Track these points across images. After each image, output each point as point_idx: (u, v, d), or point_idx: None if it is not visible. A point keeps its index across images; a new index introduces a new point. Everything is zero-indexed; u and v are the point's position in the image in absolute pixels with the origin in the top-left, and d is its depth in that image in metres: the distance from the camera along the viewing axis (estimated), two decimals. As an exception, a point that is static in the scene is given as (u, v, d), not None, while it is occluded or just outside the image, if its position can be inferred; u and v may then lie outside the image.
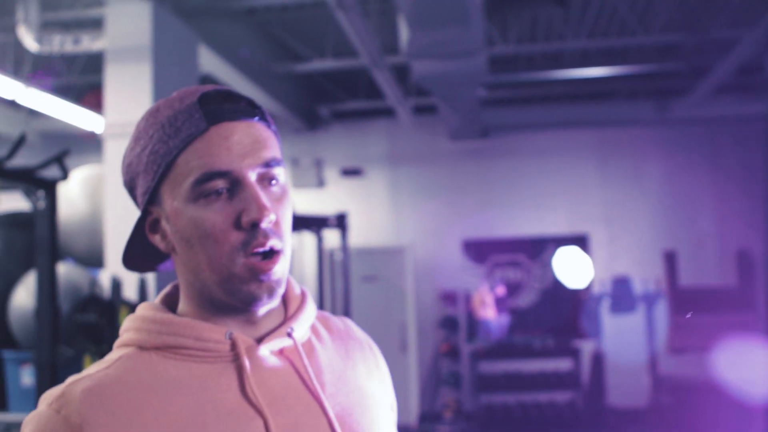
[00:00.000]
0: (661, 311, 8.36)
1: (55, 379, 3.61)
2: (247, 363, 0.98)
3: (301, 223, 6.46)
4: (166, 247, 1.02)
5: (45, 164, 3.72)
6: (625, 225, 9.64)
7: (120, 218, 4.63)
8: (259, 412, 0.96)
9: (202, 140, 0.96)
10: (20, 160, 3.68)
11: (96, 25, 6.61)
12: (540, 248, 9.67)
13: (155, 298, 1.10)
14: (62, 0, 6.45)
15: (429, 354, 9.51)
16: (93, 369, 0.98)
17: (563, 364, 8.80)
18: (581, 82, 9.01)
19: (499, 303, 9.23)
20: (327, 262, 9.05)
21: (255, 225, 0.96)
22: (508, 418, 8.53)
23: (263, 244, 0.96)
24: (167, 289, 1.10)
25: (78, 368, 4.00)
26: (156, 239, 1.03)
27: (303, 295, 1.12)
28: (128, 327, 1.03)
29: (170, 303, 1.08)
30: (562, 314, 9.41)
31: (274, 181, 1.00)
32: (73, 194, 4.68)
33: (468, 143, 9.79)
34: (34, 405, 0.98)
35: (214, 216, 0.96)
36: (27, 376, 4.10)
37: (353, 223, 8.49)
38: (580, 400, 8.58)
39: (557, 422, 8.44)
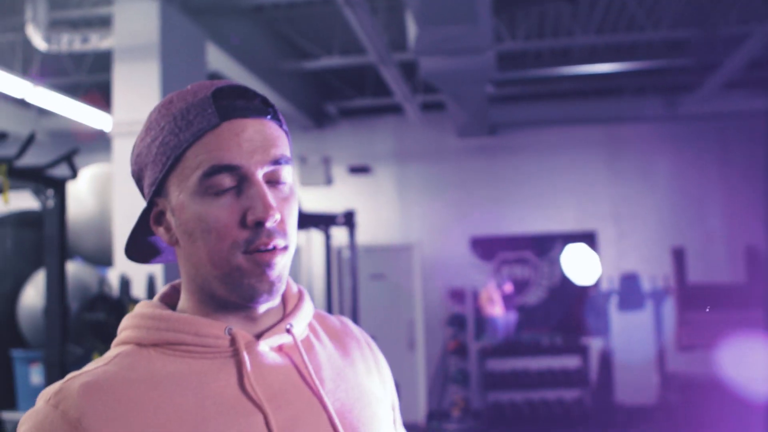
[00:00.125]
0: (670, 308, 8.33)
1: (64, 377, 3.61)
2: (246, 358, 0.98)
3: (309, 221, 6.45)
4: (170, 239, 1.02)
5: (54, 163, 3.73)
6: (634, 222, 9.62)
7: (129, 217, 4.62)
8: (259, 407, 0.96)
9: (213, 135, 0.96)
10: (29, 159, 3.69)
11: (104, 23, 6.62)
12: (548, 245, 9.65)
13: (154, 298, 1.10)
14: (70, -2, 6.46)
15: (437, 352, 9.51)
16: (91, 366, 0.98)
17: (571, 362, 8.78)
18: (589, 78, 8.98)
19: (507, 300, 9.21)
20: (335, 260, 9.05)
21: (260, 224, 0.96)
22: (516, 415, 8.52)
23: (266, 244, 0.96)
24: (165, 289, 1.10)
25: (87, 367, 4.00)
26: (160, 231, 1.03)
27: (300, 293, 1.12)
28: (126, 325, 1.03)
29: (168, 303, 1.08)
30: (570, 312, 9.39)
31: (282, 181, 1.00)
32: (81, 193, 4.69)
33: (476, 140, 9.77)
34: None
35: (220, 211, 0.96)
36: (36, 375, 4.11)
37: (361, 221, 8.49)
38: (588, 397, 8.56)
39: (565, 420, 8.42)
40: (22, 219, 4.47)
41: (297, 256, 9.24)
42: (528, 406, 8.58)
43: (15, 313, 4.30)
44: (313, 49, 7.92)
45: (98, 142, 8.12)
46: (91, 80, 8.28)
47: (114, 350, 1.01)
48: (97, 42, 6.05)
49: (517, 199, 9.70)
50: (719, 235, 9.44)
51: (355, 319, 6.72)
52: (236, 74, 7.22)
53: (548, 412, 8.47)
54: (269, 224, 0.96)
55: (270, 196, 0.96)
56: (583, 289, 9.42)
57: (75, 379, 0.95)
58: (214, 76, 7.75)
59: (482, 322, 9.24)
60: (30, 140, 3.57)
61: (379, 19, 6.86)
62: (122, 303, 4.17)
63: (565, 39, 7.68)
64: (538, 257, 9.66)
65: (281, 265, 0.98)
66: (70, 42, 6.05)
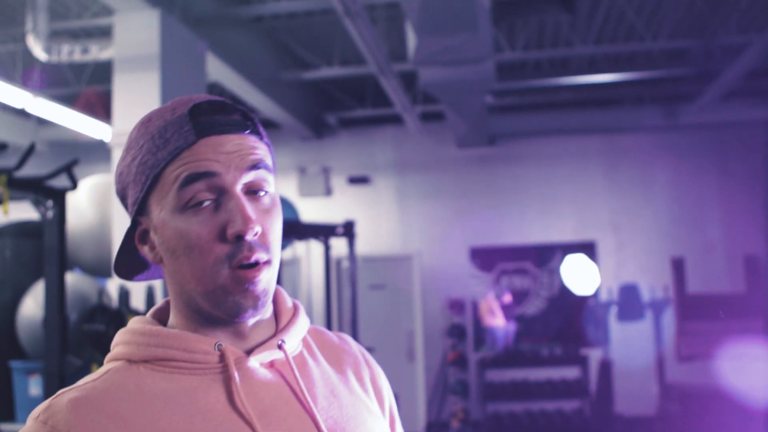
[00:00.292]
0: (669, 318, 8.32)
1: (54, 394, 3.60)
2: (236, 374, 0.97)
3: (308, 231, 6.45)
4: (154, 258, 1.02)
5: (54, 174, 3.73)
6: (633, 232, 9.62)
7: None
8: (249, 424, 0.94)
9: (190, 152, 0.96)
10: (29, 170, 3.69)
11: (104, 34, 6.64)
12: (547, 256, 9.65)
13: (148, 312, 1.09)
14: (71, 9, 6.48)
15: (436, 362, 9.49)
16: (81, 382, 0.97)
17: (571, 372, 8.77)
18: (589, 88, 8.99)
19: (506, 311, 9.20)
20: (334, 271, 9.05)
21: (240, 237, 0.94)
22: (516, 426, 8.49)
23: (248, 258, 0.95)
24: (160, 303, 1.09)
25: (86, 378, 3.99)
26: (145, 250, 1.03)
27: (295, 308, 1.11)
28: (118, 341, 1.02)
29: (162, 317, 1.07)
30: (570, 322, 9.39)
31: (262, 192, 0.99)
32: (81, 204, 4.68)
33: (475, 150, 9.78)
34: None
35: (199, 228, 0.95)
36: (35, 386, 4.09)
37: (360, 232, 8.49)
38: (587, 408, 8.54)
39: (565, 431, 8.40)
40: (21, 230, 4.46)
41: (296, 266, 9.23)
42: (527, 417, 8.56)
43: (14, 324, 4.30)
44: (312, 60, 7.94)
45: (98, 153, 8.12)
46: (92, 91, 8.28)
47: (105, 366, 1.00)
48: (97, 52, 6.06)
49: (517, 209, 9.71)
50: (718, 244, 9.44)
51: (355, 329, 6.71)
52: (236, 84, 7.23)
53: (548, 423, 8.45)
54: (249, 237, 0.94)
55: (249, 208, 0.95)
56: (583, 300, 9.42)
57: (64, 395, 0.94)
58: (214, 86, 7.76)
59: (482, 332, 9.22)
60: (30, 151, 3.56)
61: (378, 29, 6.88)
62: (121, 314, 4.16)
63: (564, 49, 7.70)
64: (538, 267, 9.65)
65: (265, 279, 0.97)
66: (70, 52, 6.06)
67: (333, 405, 1.04)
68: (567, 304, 9.51)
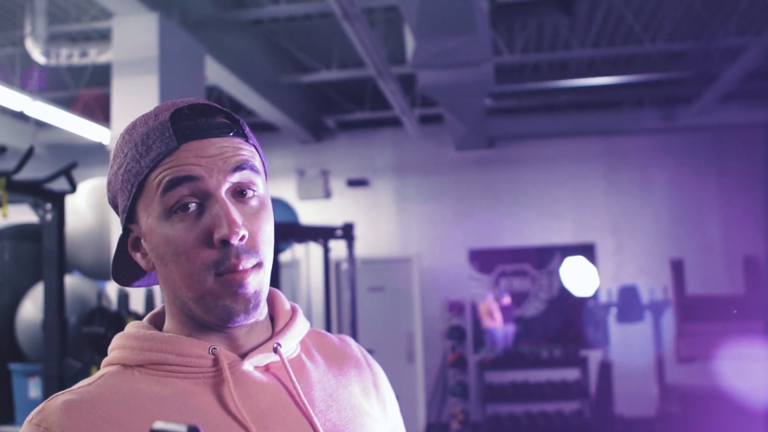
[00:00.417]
0: (669, 320, 8.32)
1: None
2: (229, 378, 0.96)
3: (307, 234, 6.46)
4: (147, 265, 1.01)
5: (53, 177, 3.73)
6: (632, 233, 9.63)
7: (127, 230, 4.62)
8: (245, 428, 0.93)
9: (172, 158, 0.95)
10: (27, 173, 3.69)
11: (103, 37, 6.65)
12: (546, 257, 9.65)
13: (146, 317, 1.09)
14: (69, 13, 6.48)
15: (436, 364, 9.49)
16: (75, 386, 0.97)
17: (570, 374, 8.77)
18: (587, 90, 9.00)
19: (506, 312, 9.20)
20: (334, 273, 9.05)
21: (226, 242, 0.93)
22: (516, 428, 8.49)
23: (235, 266, 0.94)
24: (157, 308, 1.08)
25: (86, 380, 4.00)
26: (137, 257, 1.02)
27: (293, 310, 1.10)
28: (114, 346, 1.02)
29: (159, 322, 1.06)
30: (569, 324, 9.39)
31: (249, 192, 0.98)
32: (80, 206, 4.69)
33: (474, 153, 9.79)
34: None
35: (185, 233, 0.94)
36: (34, 389, 4.10)
37: (359, 234, 8.49)
38: (587, 409, 8.54)
39: (565, 432, 8.40)
40: (20, 232, 4.47)
41: (296, 269, 9.23)
42: (527, 419, 8.56)
43: (13, 327, 4.30)
44: (311, 63, 7.94)
45: (96, 156, 8.12)
46: (90, 94, 8.28)
47: (101, 371, 1.00)
48: (95, 56, 6.07)
49: (516, 211, 9.71)
50: (718, 246, 9.45)
51: (354, 331, 6.72)
52: (235, 88, 7.24)
53: (548, 425, 8.45)
54: (235, 242, 0.93)
55: (234, 212, 0.94)
56: (582, 301, 9.42)
57: (57, 397, 0.94)
58: (212, 89, 7.77)
59: (481, 334, 9.23)
60: (29, 154, 3.57)
61: (377, 32, 6.89)
62: (121, 316, 4.16)
63: (562, 52, 7.71)
64: (537, 269, 9.66)
65: (255, 282, 0.96)
66: (69, 56, 6.07)
67: (331, 408, 1.03)
68: (566, 305, 9.52)
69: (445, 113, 8.11)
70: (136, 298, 4.75)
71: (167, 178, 0.94)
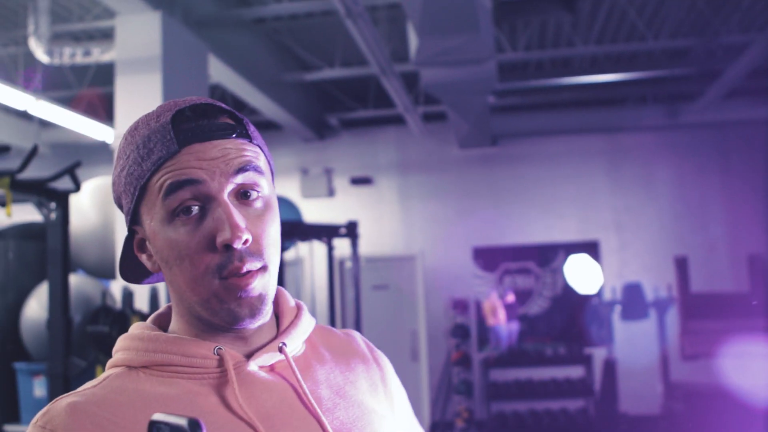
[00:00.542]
0: (673, 317, 8.31)
1: (67, 390, 3.61)
2: (234, 378, 0.95)
3: (311, 232, 6.45)
4: (153, 266, 1.01)
5: (57, 176, 3.74)
6: (636, 231, 9.61)
7: (131, 229, 4.62)
8: (252, 428, 0.93)
9: (173, 161, 0.94)
10: (31, 172, 3.69)
11: (106, 36, 6.65)
12: (550, 255, 9.64)
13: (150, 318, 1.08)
14: (72, 12, 6.48)
15: (440, 362, 9.49)
16: (80, 388, 0.96)
17: (575, 372, 8.76)
18: (590, 87, 8.99)
19: (510, 310, 9.20)
20: (337, 271, 9.05)
21: (228, 247, 0.92)
22: (520, 426, 8.49)
23: (239, 269, 0.93)
24: (162, 308, 1.08)
25: (90, 379, 4.00)
26: (143, 258, 1.02)
27: (298, 308, 1.09)
28: (118, 347, 1.01)
29: (163, 322, 1.06)
30: (573, 321, 9.38)
31: (254, 194, 0.97)
32: (84, 206, 4.69)
33: (477, 150, 9.78)
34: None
35: (188, 237, 0.93)
36: (39, 388, 4.10)
37: (363, 232, 8.49)
38: (592, 407, 8.53)
39: (569, 430, 8.39)
40: (25, 231, 4.47)
41: (300, 267, 9.24)
42: (532, 417, 8.55)
43: (18, 326, 4.30)
44: (314, 61, 7.94)
45: (100, 155, 8.13)
46: (93, 93, 8.29)
47: (105, 372, 0.99)
48: (98, 55, 6.07)
49: (520, 209, 9.70)
50: (722, 243, 9.43)
51: (358, 329, 6.70)
52: (238, 86, 7.24)
53: (552, 422, 8.44)
54: (238, 246, 0.92)
55: (237, 216, 0.93)
56: (586, 299, 9.41)
57: (62, 399, 0.93)
58: (215, 88, 7.77)
59: (485, 332, 9.23)
60: (33, 153, 3.57)
61: (380, 30, 6.88)
62: (125, 315, 4.17)
63: (565, 49, 7.70)
64: (541, 267, 9.65)
65: (260, 286, 0.95)
66: (72, 55, 6.07)
67: (339, 406, 1.02)
68: (570, 303, 9.51)
69: (448, 111, 8.10)
70: (141, 297, 4.76)
71: (168, 182, 0.93)
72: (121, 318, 4.14)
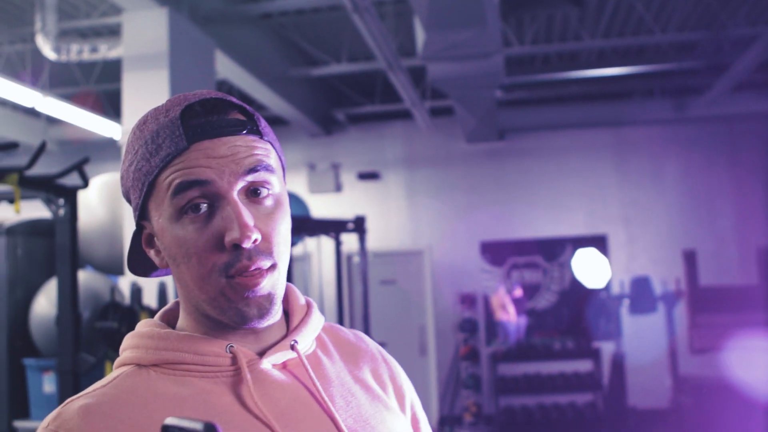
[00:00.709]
0: (681, 311, 8.29)
1: (77, 386, 3.63)
2: (248, 376, 0.94)
3: (318, 227, 6.45)
4: (161, 262, 0.99)
5: (65, 172, 3.74)
6: (644, 225, 9.59)
7: (139, 225, 4.63)
8: (268, 426, 0.91)
9: (182, 158, 0.92)
10: (38, 169, 3.70)
11: (113, 33, 6.66)
12: (558, 249, 9.63)
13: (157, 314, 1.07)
14: (79, 9, 6.50)
15: (448, 357, 9.49)
16: (90, 389, 0.95)
17: (583, 366, 8.75)
18: (598, 81, 8.97)
19: (517, 305, 9.19)
20: (345, 266, 9.05)
21: (237, 246, 0.90)
22: (529, 420, 8.48)
23: (247, 267, 0.91)
24: (169, 305, 1.07)
25: (99, 375, 4.02)
26: (151, 254, 1.01)
27: (308, 305, 1.08)
28: (126, 345, 1.00)
29: (171, 318, 1.05)
30: (581, 315, 9.37)
31: (264, 192, 0.95)
32: (92, 202, 4.70)
33: (485, 145, 9.77)
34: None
35: (196, 235, 0.92)
36: (48, 384, 4.12)
37: (371, 227, 8.48)
38: (600, 401, 8.52)
39: (578, 424, 8.38)
40: (33, 228, 4.48)
41: (307, 262, 9.24)
42: (540, 411, 8.55)
43: (27, 322, 4.32)
44: (321, 56, 7.94)
45: (108, 151, 8.15)
46: (101, 89, 8.31)
47: (114, 372, 0.98)
48: (106, 51, 6.08)
49: (527, 203, 9.69)
50: (730, 237, 9.41)
51: (367, 324, 6.72)
52: (245, 82, 7.24)
53: (561, 417, 8.44)
54: (247, 245, 0.90)
55: (246, 214, 0.91)
56: (594, 293, 9.40)
57: (73, 402, 0.91)
58: (222, 83, 7.77)
59: (493, 326, 9.22)
60: (41, 149, 3.58)
61: (387, 25, 6.88)
62: (134, 311, 4.18)
63: (572, 43, 7.68)
64: (549, 261, 9.64)
65: (269, 285, 0.94)
66: (79, 52, 6.08)
67: (351, 404, 1.01)
68: (578, 297, 9.50)
69: (455, 105, 8.09)
70: (149, 292, 4.77)
71: (177, 182, 0.91)
72: (129, 314, 4.15)
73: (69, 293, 3.70)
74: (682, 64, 8.21)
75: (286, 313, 1.06)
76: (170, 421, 0.72)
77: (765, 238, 8.80)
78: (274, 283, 0.95)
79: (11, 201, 4.12)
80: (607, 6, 6.98)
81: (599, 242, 9.59)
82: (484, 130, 9.08)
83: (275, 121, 9.44)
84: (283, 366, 1.00)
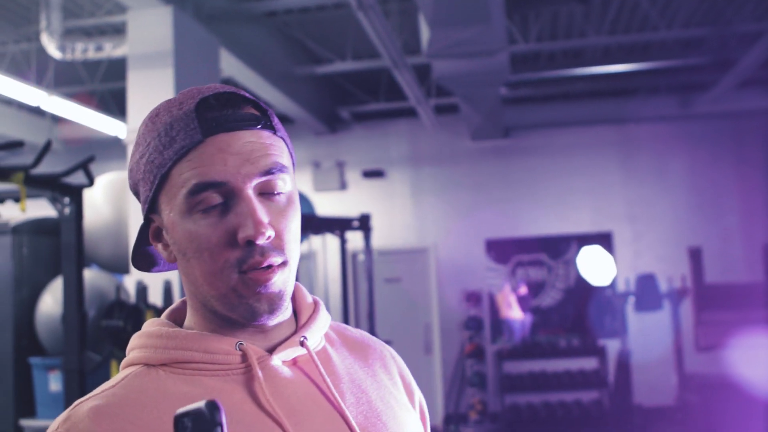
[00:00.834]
0: (687, 309, 8.28)
1: (83, 384, 3.63)
2: (260, 373, 0.94)
3: (324, 225, 6.45)
4: (169, 257, 0.99)
5: (71, 171, 3.74)
6: (650, 222, 9.58)
7: (144, 223, 4.63)
8: (279, 424, 0.91)
9: (197, 152, 0.91)
10: (44, 167, 3.71)
11: (118, 31, 6.66)
12: (563, 247, 9.62)
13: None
14: (84, 8, 6.50)
15: (453, 355, 9.49)
16: (99, 390, 0.94)
17: (589, 363, 8.75)
18: (603, 78, 8.95)
19: (523, 302, 9.19)
20: (350, 264, 9.06)
21: (251, 242, 0.90)
22: (534, 418, 8.49)
23: (260, 263, 0.91)
24: (176, 303, 1.06)
25: (105, 374, 4.03)
26: (159, 248, 1.00)
27: (315, 303, 1.07)
28: (134, 345, 0.99)
29: (178, 317, 1.04)
30: (587, 313, 9.36)
31: (276, 191, 0.94)
32: (97, 200, 4.71)
33: (490, 142, 9.76)
34: (62, 411, 0.94)
35: (209, 231, 0.91)
36: (54, 382, 4.12)
37: (376, 225, 8.48)
38: (606, 399, 8.52)
39: (583, 422, 8.39)
40: (38, 227, 4.49)
41: (312, 260, 9.25)
42: (546, 408, 8.55)
43: (33, 321, 4.32)
44: (326, 54, 7.93)
45: (113, 150, 8.16)
46: (105, 88, 8.32)
47: (122, 372, 0.97)
48: (110, 50, 6.08)
49: (532, 200, 9.68)
50: (736, 234, 9.39)
51: (372, 322, 6.72)
52: (249, 80, 7.24)
53: (566, 414, 8.44)
54: (261, 242, 0.90)
55: (261, 211, 0.91)
56: (599, 291, 9.39)
57: (83, 403, 0.91)
58: (227, 82, 7.76)
59: (499, 324, 9.22)
60: (46, 148, 3.58)
61: (391, 22, 6.87)
62: (139, 309, 4.18)
63: (578, 40, 7.67)
64: (554, 259, 9.63)
65: (280, 281, 0.94)
66: (84, 50, 6.08)
67: (361, 400, 1.01)
68: (583, 295, 9.48)
69: (460, 103, 8.08)
70: (155, 291, 4.77)
71: (193, 182, 0.91)
72: (135, 312, 4.15)
73: (74, 292, 3.70)
74: (687, 60, 8.19)
75: (294, 312, 1.05)
76: (178, 411, 0.72)
77: (771, 235, 8.78)
78: (285, 280, 0.95)
79: (17, 200, 4.13)
80: (612, 2, 6.97)
81: (604, 240, 9.57)
82: (489, 128, 9.07)
83: (280, 120, 9.41)
84: (293, 363, 1.00)
